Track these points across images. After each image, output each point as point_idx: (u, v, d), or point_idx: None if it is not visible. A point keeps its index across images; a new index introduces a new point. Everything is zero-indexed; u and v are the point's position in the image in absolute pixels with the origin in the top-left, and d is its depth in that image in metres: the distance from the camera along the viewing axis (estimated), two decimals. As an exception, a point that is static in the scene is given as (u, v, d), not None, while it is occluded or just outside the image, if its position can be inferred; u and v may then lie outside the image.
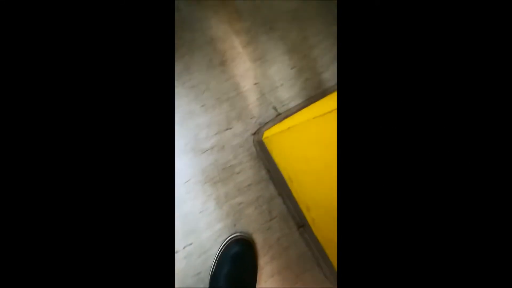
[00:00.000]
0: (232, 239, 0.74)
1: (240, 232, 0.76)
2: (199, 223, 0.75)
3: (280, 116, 0.81)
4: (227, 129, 0.79)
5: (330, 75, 0.85)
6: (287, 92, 0.84)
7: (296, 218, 0.79)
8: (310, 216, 0.69)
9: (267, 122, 0.81)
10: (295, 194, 0.73)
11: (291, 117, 0.73)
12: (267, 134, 0.74)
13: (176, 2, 0.81)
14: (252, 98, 0.82)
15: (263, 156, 0.79)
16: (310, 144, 0.55)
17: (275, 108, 0.82)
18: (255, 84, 0.83)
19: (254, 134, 0.80)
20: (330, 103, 0.45)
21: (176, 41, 0.78)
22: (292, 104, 0.83)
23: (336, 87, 0.87)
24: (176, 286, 0.72)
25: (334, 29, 0.90)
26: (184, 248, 0.74)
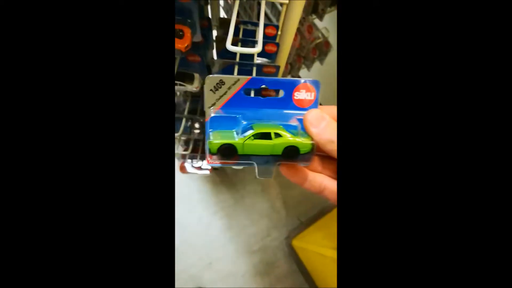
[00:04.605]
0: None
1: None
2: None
3: (303, 224, 1.21)
4: (268, 236, 1.18)
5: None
6: (306, 206, 1.26)
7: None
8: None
9: (295, 229, 1.21)
10: (318, 285, 1.07)
11: (312, 230, 1.14)
12: (295, 242, 1.13)
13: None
14: (282, 212, 1.24)
15: (293, 254, 1.14)
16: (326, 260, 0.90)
17: (298, 218, 1.23)
18: (284, 202, 1.27)
19: (286, 238, 1.18)
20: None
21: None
22: (311, 213, 1.25)
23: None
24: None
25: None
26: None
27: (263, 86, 0.25)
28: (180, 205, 1.18)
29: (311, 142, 0.25)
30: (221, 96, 0.25)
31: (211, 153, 0.24)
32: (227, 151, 0.24)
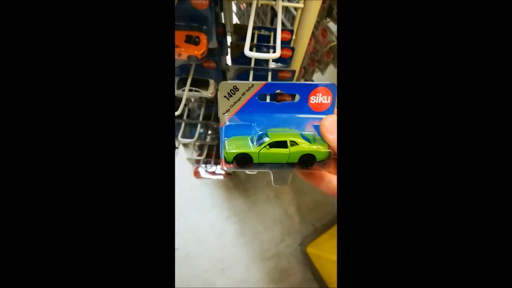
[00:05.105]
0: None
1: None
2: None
3: (317, 230, 1.18)
4: (281, 242, 1.17)
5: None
6: (320, 212, 1.23)
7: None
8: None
9: (309, 235, 1.17)
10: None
11: (327, 237, 1.11)
12: (309, 249, 1.10)
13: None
14: (296, 218, 1.22)
15: (308, 261, 1.11)
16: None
17: (313, 224, 1.21)
18: (297, 208, 1.24)
19: (300, 244, 1.15)
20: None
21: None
22: (325, 219, 1.22)
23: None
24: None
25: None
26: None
27: (278, 91, 0.25)
28: (193, 210, 1.19)
29: (327, 150, 0.24)
30: (235, 102, 0.24)
31: (227, 162, 0.24)
32: (243, 160, 0.24)
